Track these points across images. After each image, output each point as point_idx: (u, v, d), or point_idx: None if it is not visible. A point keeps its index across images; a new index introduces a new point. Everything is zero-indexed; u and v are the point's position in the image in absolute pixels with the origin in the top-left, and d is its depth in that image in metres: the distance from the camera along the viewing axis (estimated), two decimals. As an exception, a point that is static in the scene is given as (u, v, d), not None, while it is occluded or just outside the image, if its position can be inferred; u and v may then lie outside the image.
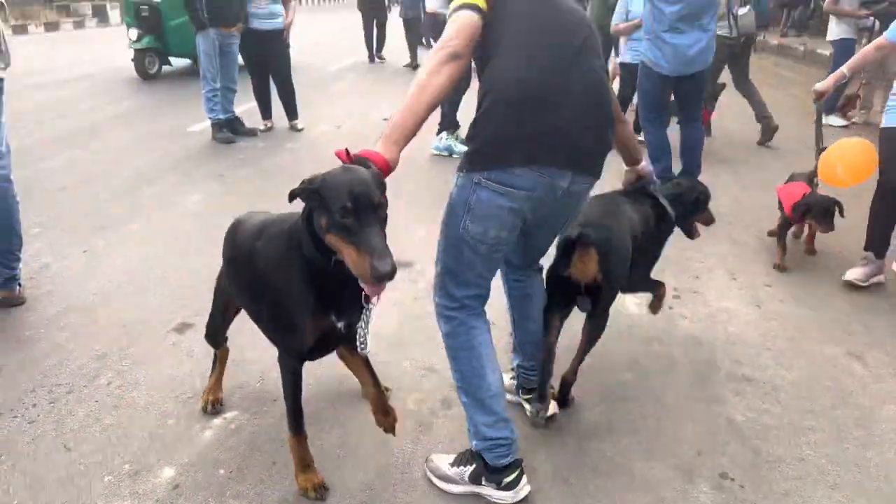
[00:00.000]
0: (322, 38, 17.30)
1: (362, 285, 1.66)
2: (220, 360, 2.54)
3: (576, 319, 2.49)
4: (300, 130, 6.97)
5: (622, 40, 6.50)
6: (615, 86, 6.32)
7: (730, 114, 7.34)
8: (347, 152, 1.74)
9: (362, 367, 2.18)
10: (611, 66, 7.01)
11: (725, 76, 6.59)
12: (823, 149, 3.78)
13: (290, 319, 1.89)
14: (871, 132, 4.69)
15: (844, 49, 7.20)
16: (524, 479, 2.07)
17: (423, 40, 12.14)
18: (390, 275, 1.56)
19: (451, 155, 5.98)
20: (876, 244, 3.56)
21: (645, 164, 2.55)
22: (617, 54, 6.99)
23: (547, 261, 2.39)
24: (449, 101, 5.66)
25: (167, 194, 4.95)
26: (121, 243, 4.03)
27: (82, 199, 4.79)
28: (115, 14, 22.61)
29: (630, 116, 6.48)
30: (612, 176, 2.88)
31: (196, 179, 5.31)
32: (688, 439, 2.38)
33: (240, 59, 6.60)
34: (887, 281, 3.62)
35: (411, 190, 4.91)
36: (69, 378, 2.67)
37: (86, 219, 4.39)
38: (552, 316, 2.41)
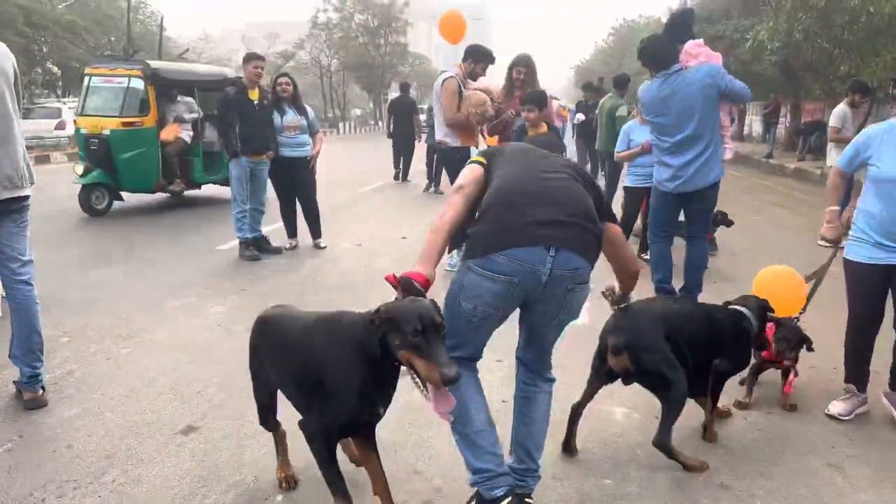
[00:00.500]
0: (351, 162, 18.27)
1: (431, 402, 2.05)
2: (279, 442, 2.81)
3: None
4: (323, 248, 7.37)
5: (625, 166, 6.91)
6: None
7: (737, 232, 7.56)
8: (395, 276, 2.22)
9: (377, 464, 2.46)
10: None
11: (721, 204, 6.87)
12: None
13: (345, 404, 2.24)
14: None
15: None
16: None
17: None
18: (455, 379, 1.96)
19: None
20: (854, 378, 3.46)
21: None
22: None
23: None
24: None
25: (191, 306, 5.27)
26: (143, 351, 4.30)
27: (111, 310, 5.13)
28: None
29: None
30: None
31: (220, 293, 5.65)
32: (659, 544, 2.44)
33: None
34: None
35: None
36: (78, 475, 2.85)
37: (112, 328, 4.70)
38: (595, 383, 3.05)
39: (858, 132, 7.54)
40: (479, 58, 6.18)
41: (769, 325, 3.49)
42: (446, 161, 6.53)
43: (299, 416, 2.41)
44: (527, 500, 2.42)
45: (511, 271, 2.26)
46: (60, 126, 19.82)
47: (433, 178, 12.32)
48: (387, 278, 2.26)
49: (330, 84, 49.47)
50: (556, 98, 10.64)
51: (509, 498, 2.32)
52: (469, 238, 2.40)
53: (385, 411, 2.33)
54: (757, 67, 19.24)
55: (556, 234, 2.28)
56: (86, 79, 10.03)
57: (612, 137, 7.44)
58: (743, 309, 3.35)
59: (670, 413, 2.88)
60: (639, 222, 6.95)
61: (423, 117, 15.48)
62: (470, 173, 2.52)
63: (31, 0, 25.39)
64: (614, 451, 3.09)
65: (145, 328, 4.74)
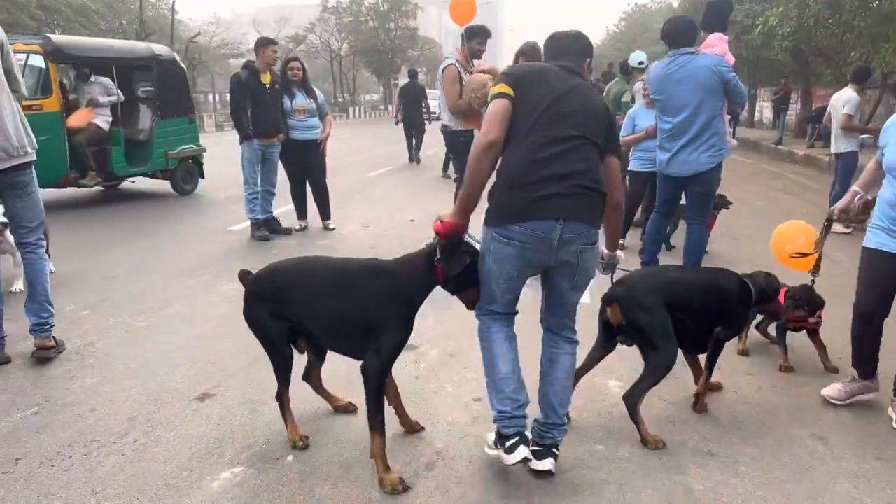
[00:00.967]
0: (361, 146, 18.39)
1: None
2: (287, 409, 2.99)
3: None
4: (332, 230, 7.54)
5: (631, 149, 6.99)
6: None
7: (740, 216, 7.66)
8: (441, 225, 2.64)
9: (393, 384, 2.98)
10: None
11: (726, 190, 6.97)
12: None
13: (402, 343, 2.73)
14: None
15: (851, 160, 7.59)
16: (522, 447, 2.62)
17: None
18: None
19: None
20: (855, 362, 3.44)
21: (618, 254, 3.09)
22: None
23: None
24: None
25: (205, 284, 5.45)
26: (159, 325, 4.49)
27: (129, 287, 5.32)
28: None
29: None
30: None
31: (232, 271, 5.78)
32: (645, 504, 2.60)
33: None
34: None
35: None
36: (101, 436, 3.04)
37: (130, 304, 4.89)
38: (595, 350, 3.27)
39: (867, 119, 7.61)
40: (471, 35, 6.31)
41: (782, 289, 3.68)
42: (451, 144, 6.66)
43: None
44: (534, 448, 2.72)
45: (524, 239, 2.59)
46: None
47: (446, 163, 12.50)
48: (435, 228, 2.66)
49: (340, 68, 49.50)
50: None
51: (517, 437, 2.64)
52: (489, 208, 2.69)
53: None
54: (768, 53, 19.19)
55: (563, 205, 2.57)
56: None
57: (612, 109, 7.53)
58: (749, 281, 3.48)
59: (649, 377, 3.05)
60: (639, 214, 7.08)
61: (433, 103, 15.80)
62: (499, 116, 2.61)
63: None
64: (608, 421, 3.24)
65: (162, 304, 4.92)
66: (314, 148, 7.27)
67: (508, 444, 2.64)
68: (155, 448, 2.95)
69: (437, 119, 14.72)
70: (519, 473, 2.75)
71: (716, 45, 5.17)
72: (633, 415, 3.03)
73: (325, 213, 7.62)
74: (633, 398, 3.03)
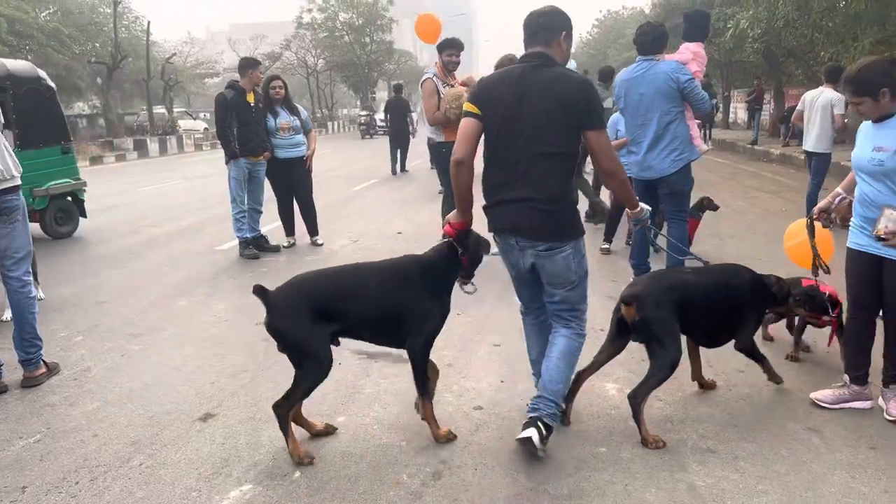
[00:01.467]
0: (343, 161, 18.42)
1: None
2: (287, 424, 2.98)
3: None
4: (320, 245, 7.55)
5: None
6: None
7: (723, 217, 7.79)
8: (451, 226, 3.07)
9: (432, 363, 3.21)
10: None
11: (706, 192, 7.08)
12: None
13: (443, 319, 3.10)
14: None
15: (826, 159, 7.72)
16: (531, 428, 2.84)
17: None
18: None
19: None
20: (847, 367, 3.46)
21: (641, 207, 3.24)
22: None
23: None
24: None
25: (198, 304, 5.45)
26: (154, 348, 4.48)
27: (121, 310, 5.31)
28: (154, 147, 24.37)
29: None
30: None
31: (223, 291, 5.83)
32: (650, 503, 2.65)
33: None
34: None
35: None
36: (106, 460, 3.04)
37: (124, 327, 4.88)
38: (604, 348, 3.37)
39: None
40: (441, 48, 6.44)
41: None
42: (435, 155, 6.75)
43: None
44: (537, 424, 2.90)
45: (502, 244, 3.07)
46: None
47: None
48: (446, 231, 3.10)
49: (317, 84, 49.54)
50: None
51: (528, 418, 2.93)
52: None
53: None
54: (740, 55, 19.55)
55: (509, 222, 2.96)
56: None
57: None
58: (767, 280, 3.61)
59: (654, 376, 3.11)
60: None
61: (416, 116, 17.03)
62: (467, 134, 2.90)
63: (14, 9, 25.35)
64: (608, 423, 3.30)
65: (155, 326, 4.92)
66: (300, 165, 7.30)
67: (526, 421, 2.94)
68: (161, 470, 2.96)
69: (413, 134, 16.06)
70: (526, 479, 2.79)
71: (682, 53, 5.29)
72: (636, 414, 3.09)
73: (312, 229, 7.64)
74: (637, 398, 3.10)
